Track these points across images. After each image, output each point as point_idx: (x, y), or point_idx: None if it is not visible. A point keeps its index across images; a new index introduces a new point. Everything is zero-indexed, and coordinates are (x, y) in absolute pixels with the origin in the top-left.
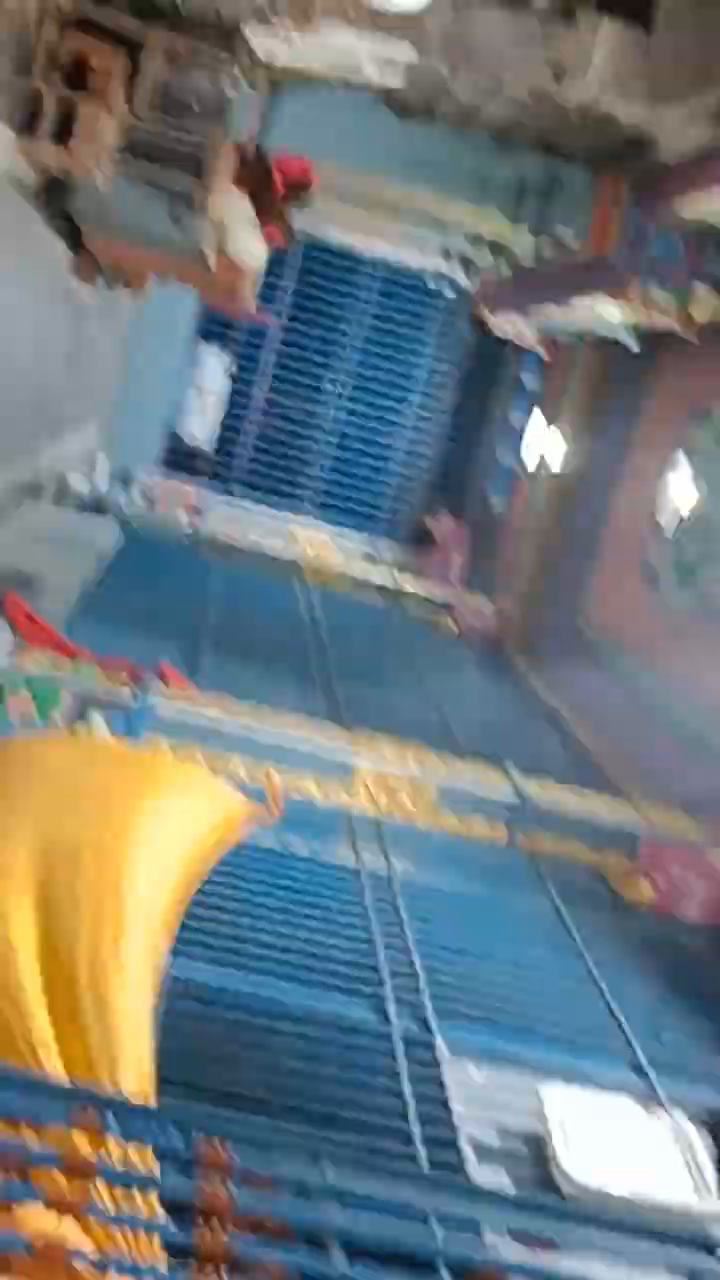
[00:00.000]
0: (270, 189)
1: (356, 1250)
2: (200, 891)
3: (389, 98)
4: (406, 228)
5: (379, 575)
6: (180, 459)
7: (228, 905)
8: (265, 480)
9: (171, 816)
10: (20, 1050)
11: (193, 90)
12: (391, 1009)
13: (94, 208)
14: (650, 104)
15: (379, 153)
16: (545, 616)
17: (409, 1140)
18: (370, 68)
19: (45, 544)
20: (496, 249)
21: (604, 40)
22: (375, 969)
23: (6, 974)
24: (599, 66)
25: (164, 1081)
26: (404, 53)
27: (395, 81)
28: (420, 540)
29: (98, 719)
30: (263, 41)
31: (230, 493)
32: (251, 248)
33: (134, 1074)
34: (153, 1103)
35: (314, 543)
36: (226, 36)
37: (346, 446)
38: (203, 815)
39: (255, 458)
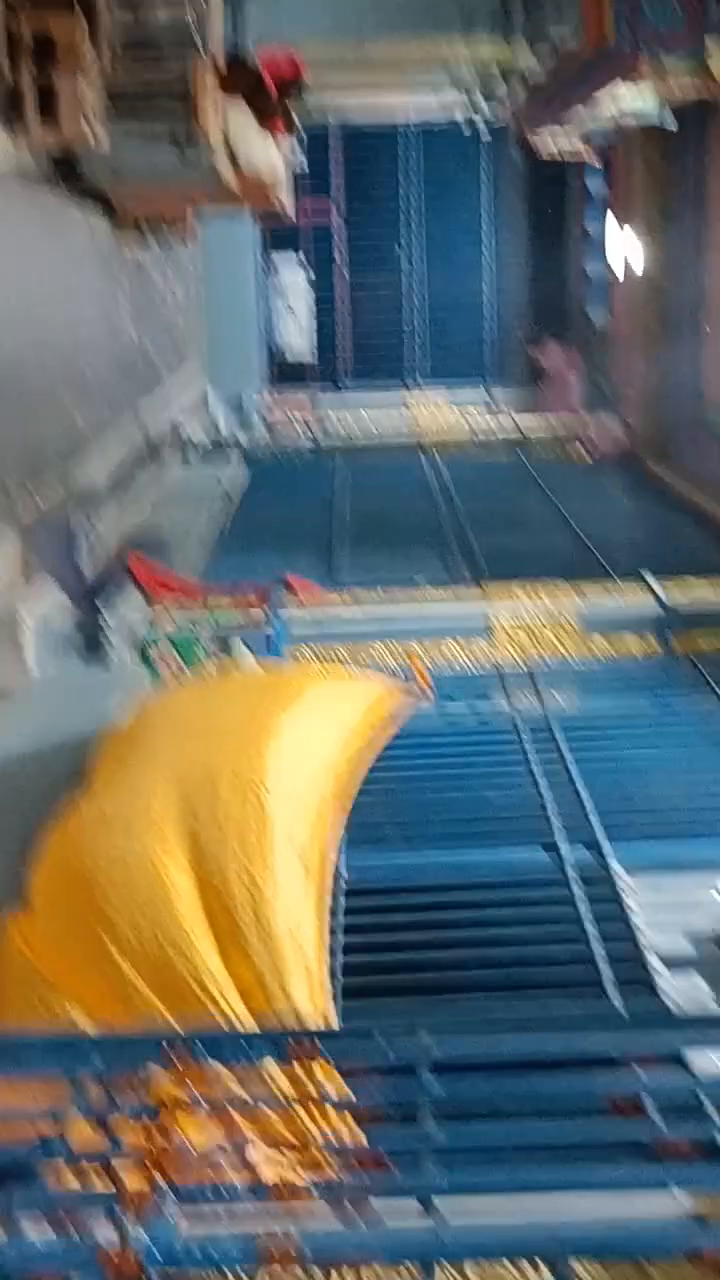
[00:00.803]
0: (262, 90)
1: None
2: (367, 780)
3: None
4: (415, 79)
5: (500, 424)
6: (286, 372)
7: (394, 787)
8: (370, 367)
9: (311, 722)
10: (191, 988)
11: (154, 24)
12: (563, 844)
13: (104, 170)
14: None
15: (357, 14)
16: (670, 416)
17: (595, 971)
18: None
19: (175, 500)
20: (505, 72)
21: None
22: (543, 809)
23: (168, 919)
24: None
25: (350, 979)
26: None
27: None
28: (533, 376)
29: (240, 649)
30: None
31: (340, 390)
32: (263, 152)
33: (304, 987)
34: (330, 1013)
35: (431, 412)
36: None
37: (437, 309)
38: (347, 711)
39: (354, 349)
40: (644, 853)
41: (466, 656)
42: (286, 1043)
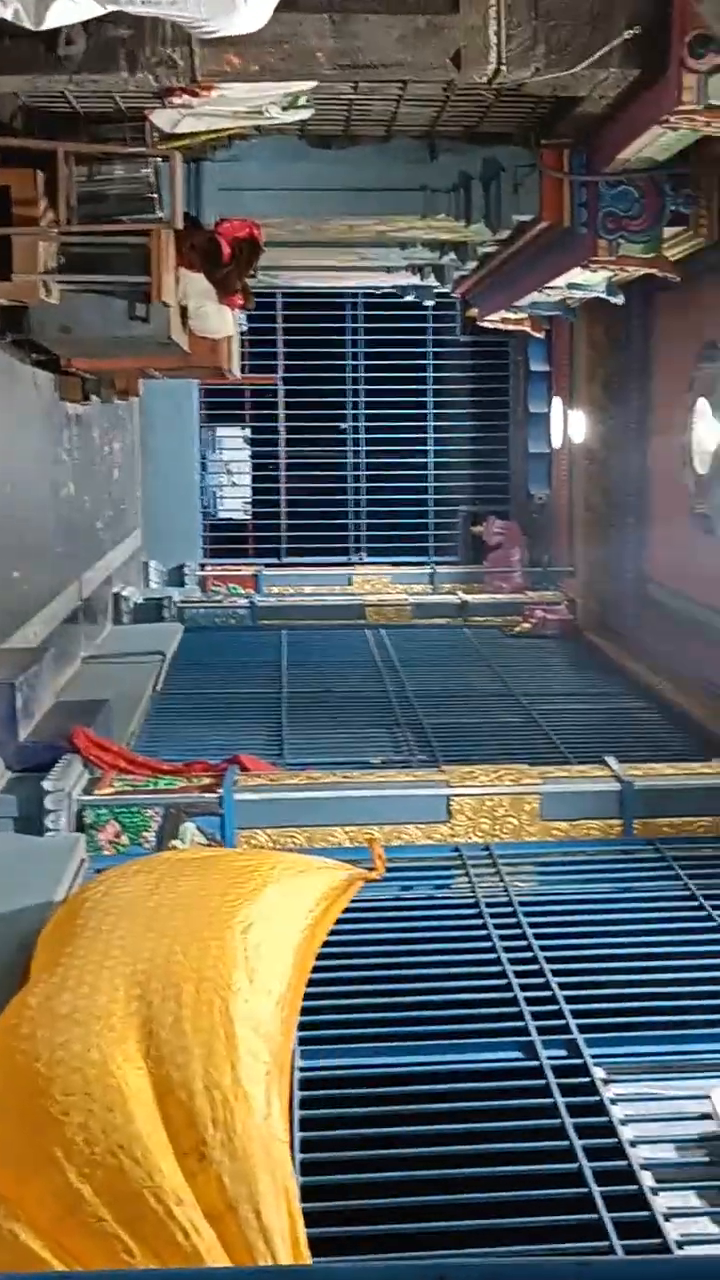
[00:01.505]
0: (219, 258)
1: None
2: (318, 970)
3: (306, 133)
4: (368, 255)
5: (443, 598)
6: (224, 541)
7: (350, 977)
8: (309, 538)
9: (273, 915)
10: (149, 1206)
11: (113, 186)
12: (539, 1045)
13: (56, 329)
14: (558, 63)
15: (316, 191)
16: (613, 592)
17: (583, 1184)
18: (274, 109)
19: (110, 665)
20: (459, 248)
21: (493, 15)
22: (514, 1004)
23: (122, 1126)
24: (495, 41)
25: (315, 1200)
26: (299, 83)
27: (304, 114)
28: (477, 551)
29: (189, 828)
30: (166, 116)
31: (281, 561)
32: (216, 320)
33: (277, 1206)
34: (301, 1238)
35: (372, 585)
36: (131, 124)
37: (378, 482)
38: (303, 899)
39: (294, 519)
40: (626, 1054)
41: (426, 839)
42: None
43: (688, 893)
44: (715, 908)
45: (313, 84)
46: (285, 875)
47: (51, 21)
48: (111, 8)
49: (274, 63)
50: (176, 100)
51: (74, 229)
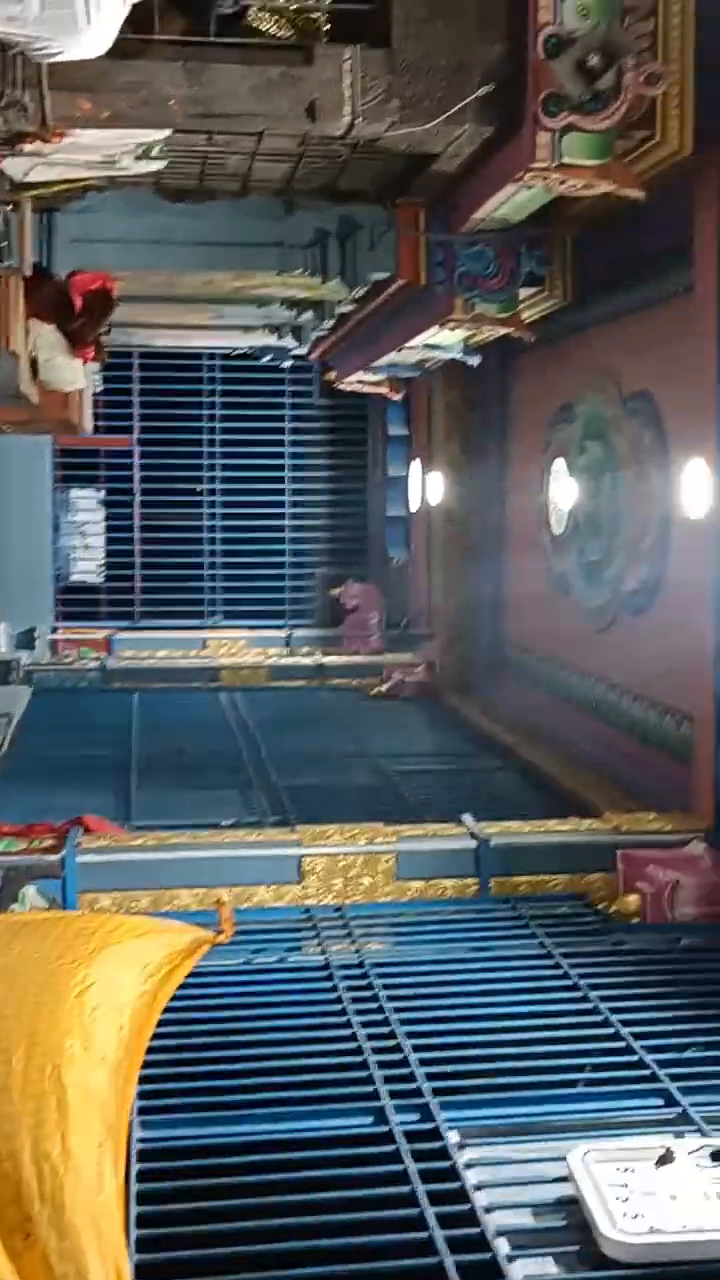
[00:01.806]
0: (70, 310)
1: None
2: (160, 1036)
3: (160, 186)
4: (224, 312)
5: (299, 660)
6: (77, 604)
7: (193, 1043)
8: (164, 601)
9: (109, 978)
10: None
11: None
12: (390, 1110)
13: None
14: (413, 118)
15: (170, 245)
16: (471, 653)
17: (433, 1253)
18: (127, 159)
19: None
20: (316, 307)
21: (348, 68)
22: (365, 1068)
23: None
24: (349, 94)
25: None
26: (152, 132)
27: (158, 164)
28: (334, 614)
29: (29, 891)
30: (17, 164)
31: (134, 624)
32: (67, 372)
33: None
34: None
35: (227, 648)
36: None
37: (235, 545)
38: (145, 963)
39: (149, 582)
40: (479, 1118)
41: (277, 900)
42: None
43: (544, 951)
44: (572, 966)
45: (166, 133)
46: (127, 937)
47: None
48: None
49: (126, 109)
50: (28, 147)
51: None
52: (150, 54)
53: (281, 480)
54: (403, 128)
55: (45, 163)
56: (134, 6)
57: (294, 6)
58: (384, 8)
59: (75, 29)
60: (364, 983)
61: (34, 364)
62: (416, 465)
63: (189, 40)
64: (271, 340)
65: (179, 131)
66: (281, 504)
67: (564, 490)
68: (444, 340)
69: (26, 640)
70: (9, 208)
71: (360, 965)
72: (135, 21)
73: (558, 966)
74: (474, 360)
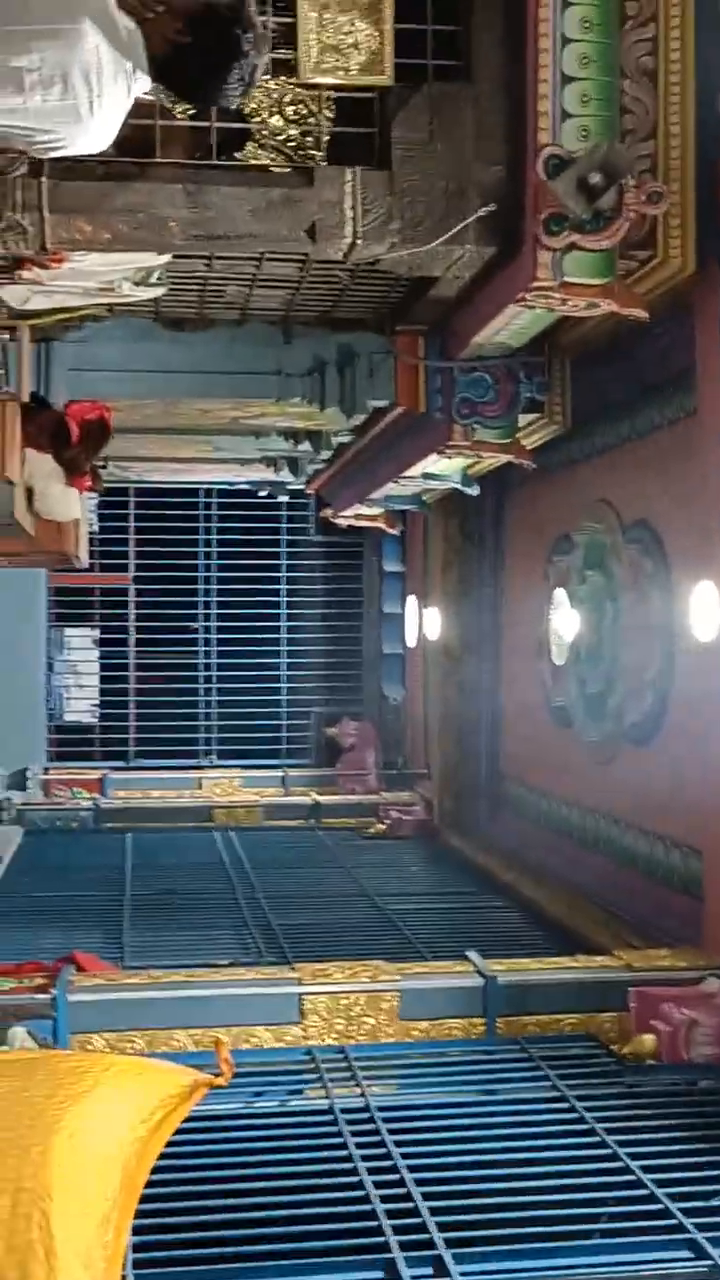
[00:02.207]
0: (67, 439)
1: None
2: (154, 1185)
3: (160, 314)
4: (222, 445)
5: (295, 799)
6: (70, 744)
7: (190, 1192)
8: (157, 740)
9: (100, 1121)
10: None
11: None
12: (400, 1263)
13: None
14: (414, 239)
15: (168, 373)
16: (469, 790)
17: None
18: (126, 285)
19: None
20: (313, 438)
21: (349, 189)
22: (374, 1218)
23: None
24: (350, 215)
25: None
26: (152, 257)
27: (157, 290)
28: (330, 753)
29: (19, 1032)
30: (15, 292)
31: (126, 763)
32: (63, 502)
33: None
34: None
35: (221, 787)
36: None
37: (230, 683)
38: (139, 1106)
39: (143, 721)
40: (494, 1269)
41: (277, 1042)
42: None
43: (558, 1094)
44: (588, 1110)
45: (166, 258)
46: (120, 1078)
47: None
48: None
49: (125, 231)
50: (27, 274)
51: None
52: (149, 176)
53: (278, 618)
54: (404, 248)
55: (44, 291)
56: (133, 129)
57: (294, 130)
58: (384, 129)
59: (79, 119)
60: (370, 1127)
61: (30, 493)
62: (413, 601)
63: (188, 164)
64: (268, 474)
65: (178, 257)
66: (278, 641)
67: (565, 620)
68: (443, 469)
69: (19, 781)
70: (7, 335)
71: (366, 1109)
72: (135, 145)
73: (572, 1109)
74: (473, 490)
